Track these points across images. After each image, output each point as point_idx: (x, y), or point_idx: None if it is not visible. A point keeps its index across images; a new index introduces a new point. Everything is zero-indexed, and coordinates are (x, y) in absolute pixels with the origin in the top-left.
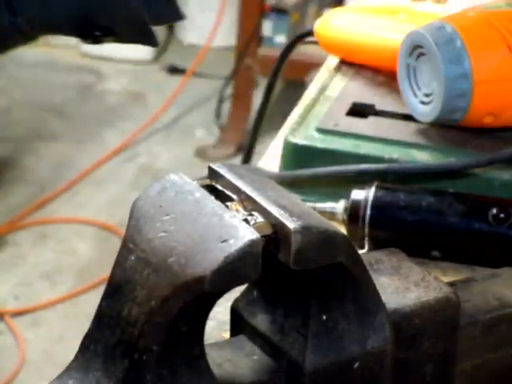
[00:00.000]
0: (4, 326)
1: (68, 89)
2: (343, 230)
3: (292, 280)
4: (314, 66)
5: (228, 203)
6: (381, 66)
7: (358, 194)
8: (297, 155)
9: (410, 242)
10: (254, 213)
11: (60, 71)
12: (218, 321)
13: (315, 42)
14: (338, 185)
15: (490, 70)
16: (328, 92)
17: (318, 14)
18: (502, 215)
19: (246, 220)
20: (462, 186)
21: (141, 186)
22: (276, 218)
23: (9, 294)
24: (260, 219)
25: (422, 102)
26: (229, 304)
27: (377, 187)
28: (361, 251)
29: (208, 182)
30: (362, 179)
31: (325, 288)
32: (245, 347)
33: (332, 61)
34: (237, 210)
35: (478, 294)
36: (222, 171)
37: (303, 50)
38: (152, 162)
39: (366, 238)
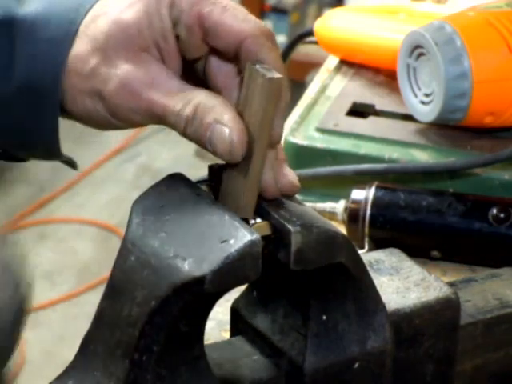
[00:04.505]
0: None
1: None
2: (343, 229)
3: (292, 280)
4: (313, 65)
5: None
6: (381, 65)
7: (358, 194)
8: (297, 155)
9: (409, 242)
10: None
11: None
12: (218, 321)
13: (315, 42)
14: (338, 185)
15: (489, 70)
16: (328, 92)
17: (318, 13)
18: (502, 215)
19: (246, 220)
20: (462, 186)
21: (141, 186)
22: (276, 219)
23: None
24: (260, 219)
25: (422, 102)
26: (229, 304)
27: (377, 187)
28: (361, 251)
29: (208, 181)
30: (361, 179)
31: (325, 288)
32: (245, 347)
33: (332, 61)
34: None
35: (477, 294)
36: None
37: (303, 50)
38: (152, 162)
39: (366, 238)
